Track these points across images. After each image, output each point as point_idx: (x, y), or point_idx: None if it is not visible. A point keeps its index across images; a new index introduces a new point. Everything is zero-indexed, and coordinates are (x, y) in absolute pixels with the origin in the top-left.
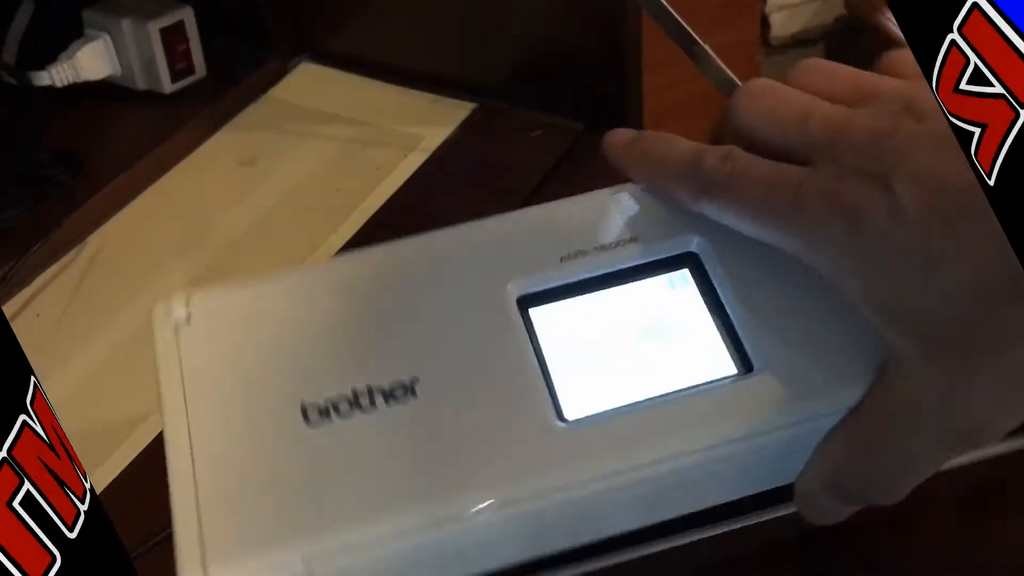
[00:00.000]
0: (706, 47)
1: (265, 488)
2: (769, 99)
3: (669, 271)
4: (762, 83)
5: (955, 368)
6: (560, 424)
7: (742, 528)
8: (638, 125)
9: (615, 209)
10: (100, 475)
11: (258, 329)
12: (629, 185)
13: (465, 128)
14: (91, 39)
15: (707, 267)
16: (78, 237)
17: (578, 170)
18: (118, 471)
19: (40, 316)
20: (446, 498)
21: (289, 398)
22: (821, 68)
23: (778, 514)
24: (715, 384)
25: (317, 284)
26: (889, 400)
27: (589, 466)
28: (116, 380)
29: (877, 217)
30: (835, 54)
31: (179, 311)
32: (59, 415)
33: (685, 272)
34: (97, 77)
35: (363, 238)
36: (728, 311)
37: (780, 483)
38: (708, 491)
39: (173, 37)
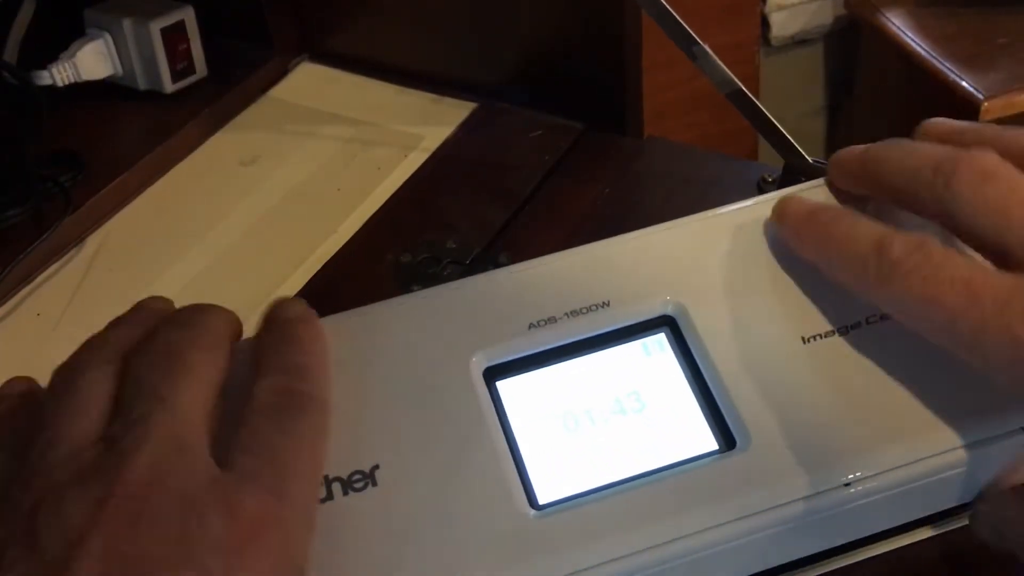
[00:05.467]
0: (706, 47)
1: None
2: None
3: (644, 336)
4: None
5: None
6: (533, 512)
7: None
8: (638, 125)
9: (586, 271)
10: None
11: None
12: (599, 243)
13: (465, 128)
14: (92, 39)
15: (684, 331)
16: (78, 237)
17: (578, 170)
18: None
19: (40, 316)
20: None
21: None
22: None
23: None
24: (696, 462)
25: None
26: None
27: (566, 559)
28: None
29: None
30: (834, 54)
31: None
32: None
33: (661, 337)
34: (98, 77)
35: (363, 238)
36: (707, 379)
37: (770, 566)
38: None
39: (174, 37)
